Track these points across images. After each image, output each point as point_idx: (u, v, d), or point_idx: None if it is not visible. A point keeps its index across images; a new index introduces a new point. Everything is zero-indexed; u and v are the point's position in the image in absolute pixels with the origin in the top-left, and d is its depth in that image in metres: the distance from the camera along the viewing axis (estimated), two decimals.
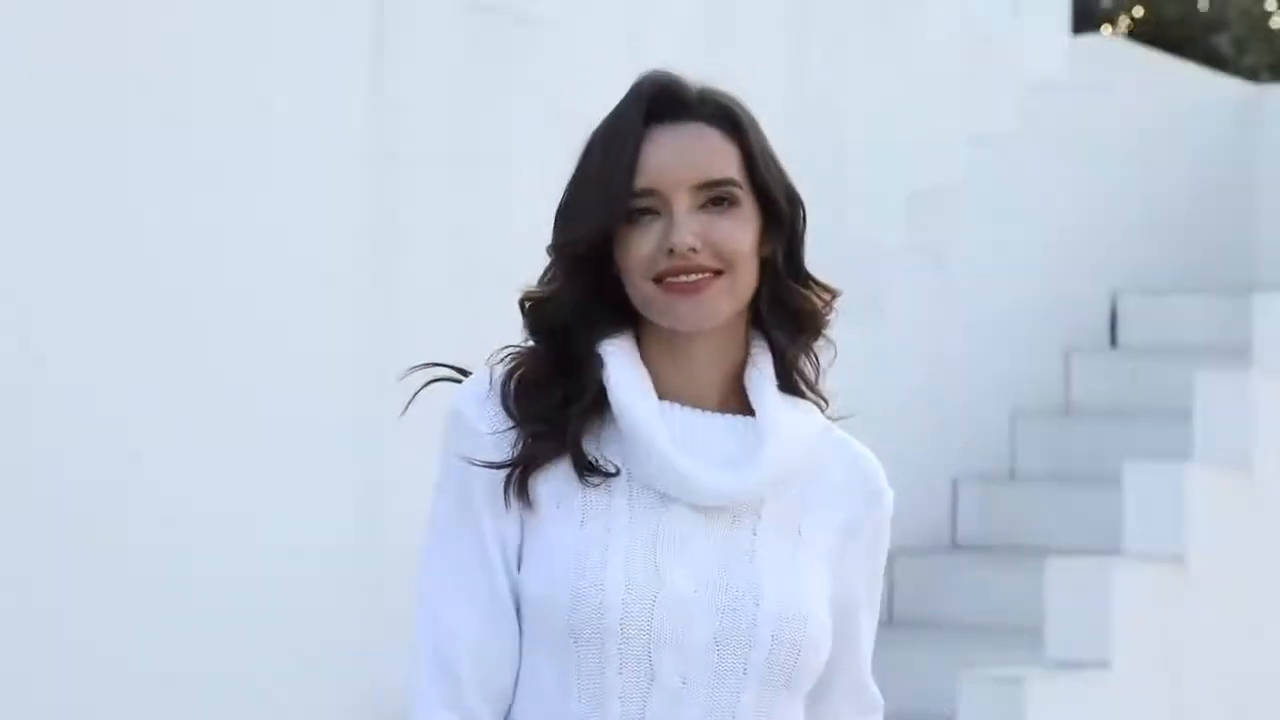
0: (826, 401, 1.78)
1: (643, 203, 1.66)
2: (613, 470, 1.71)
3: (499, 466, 1.72)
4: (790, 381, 1.74)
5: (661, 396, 1.73)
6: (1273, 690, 4.29)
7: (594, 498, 1.74)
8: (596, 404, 1.72)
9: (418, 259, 4.05)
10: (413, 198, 4.06)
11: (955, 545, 4.90)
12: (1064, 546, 4.40)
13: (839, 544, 1.78)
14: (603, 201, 1.66)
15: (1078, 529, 4.67)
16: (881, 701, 1.86)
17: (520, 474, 1.72)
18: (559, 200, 1.71)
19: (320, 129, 3.90)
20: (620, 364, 1.71)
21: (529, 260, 1.83)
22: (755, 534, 1.74)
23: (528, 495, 1.74)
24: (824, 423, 1.77)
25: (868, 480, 1.79)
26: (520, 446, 1.72)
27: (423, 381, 1.77)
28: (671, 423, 1.73)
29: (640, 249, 1.65)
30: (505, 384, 1.73)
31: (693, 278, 1.65)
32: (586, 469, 1.72)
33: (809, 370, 1.76)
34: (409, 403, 1.83)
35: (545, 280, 1.71)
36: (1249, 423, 4.23)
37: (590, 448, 1.72)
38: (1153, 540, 4.01)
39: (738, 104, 1.72)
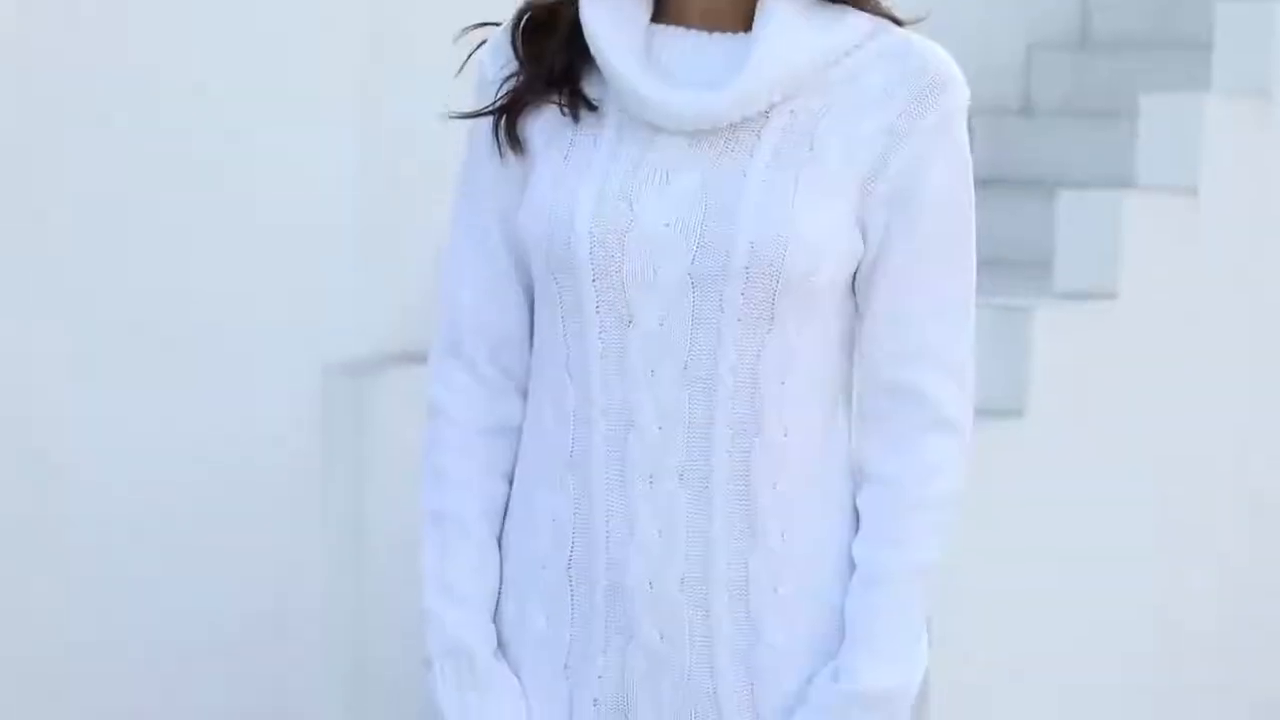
0: (887, 15, 1.67)
1: None
2: (594, 102, 1.68)
3: (490, 111, 1.71)
4: None
5: (671, 19, 1.68)
6: None
7: (583, 134, 1.70)
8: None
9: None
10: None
11: None
12: (1077, 180, 4.36)
13: (873, 156, 1.67)
14: None
15: (1092, 163, 4.62)
16: (955, 402, 1.72)
17: (509, 116, 1.70)
18: None
19: None
20: None
21: None
22: (751, 156, 1.66)
23: (518, 139, 1.71)
24: (870, 28, 1.67)
25: (921, 74, 1.66)
26: (512, 87, 1.70)
27: (477, 41, 1.75)
28: (661, 45, 1.68)
29: None
30: (516, 25, 1.71)
31: None
32: (568, 103, 1.68)
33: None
34: (464, 63, 1.78)
35: None
36: (1270, 53, 4.15)
37: (583, 84, 1.69)
38: (1167, 172, 3.97)
39: None
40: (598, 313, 1.68)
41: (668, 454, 1.68)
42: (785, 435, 1.68)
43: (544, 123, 1.71)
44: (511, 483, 1.79)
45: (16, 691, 3.36)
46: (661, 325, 1.66)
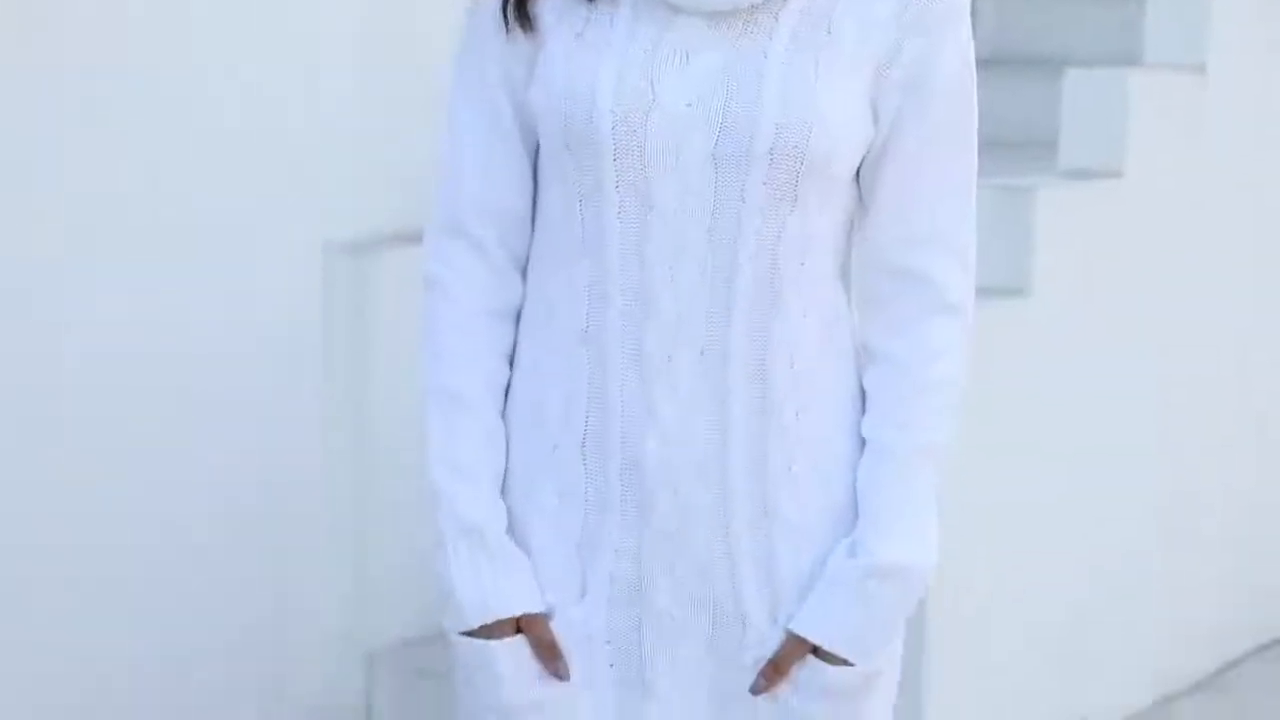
0: None
1: None
2: None
3: None
4: None
5: None
6: None
7: (598, 13, 1.69)
8: None
9: None
10: None
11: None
12: (1084, 58, 4.33)
13: (888, 41, 1.68)
14: None
15: (1099, 40, 4.60)
16: (960, 288, 1.75)
17: None
18: None
19: None
20: None
21: None
22: (771, 39, 1.66)
23: (528, 17, 1.71)
24: None
25: None
26: None
27: None
28: None
29: None
30: None
31: None
32: None
33: None
34: None
35: None
36: None
37: None
38: (1174, 50, 3.93)
39: None
40: (617, 191, 1.67)
41: (686, 333, 1.68)
42: (804, 316, 1.70)
43: (555, 0, 1.70)
44: (512, 365, 1.79)
45: (14, 553, 3.38)
46: (682, 205, 1.67)
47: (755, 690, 1.74)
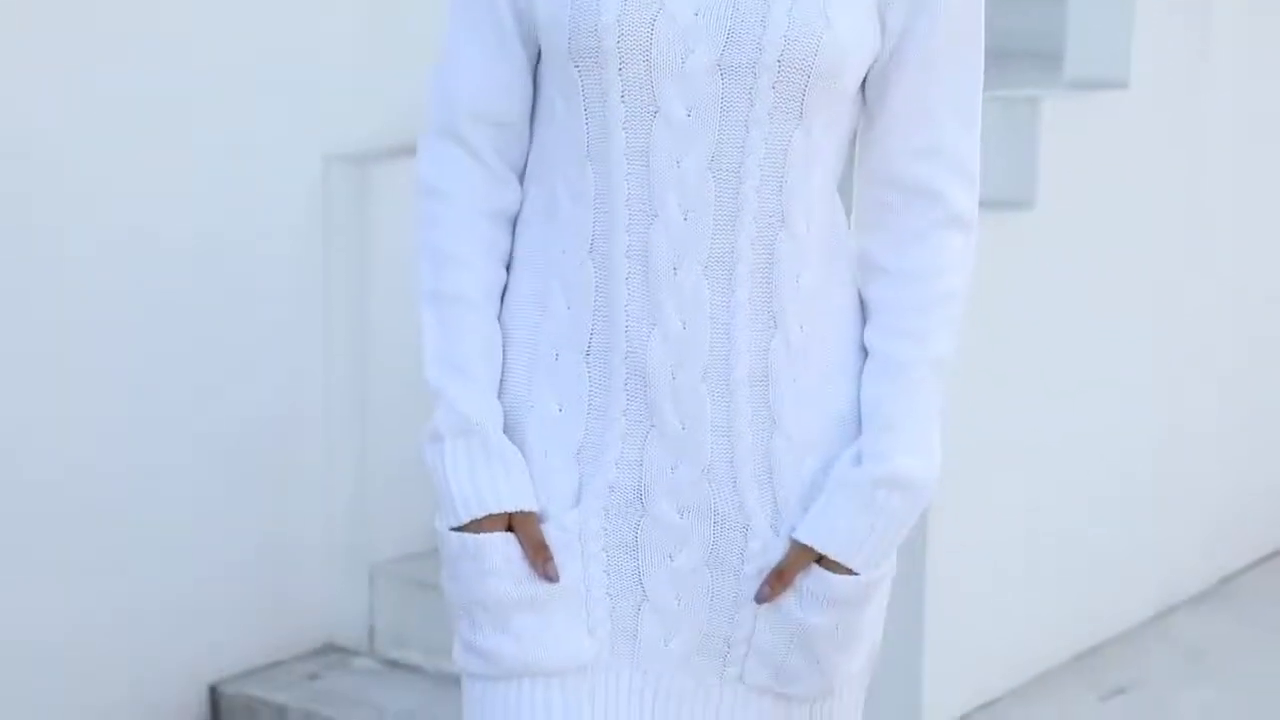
0: None
1: None
2: None
3: None
4: None
5: None
6: None
7: None
8: None
9: None
10: None
11: None
12: None
13: None
14: None
15: None
16: (964, 197, 1.75)
17: None
18: None
19: None
20: None
21: None
22: None
23: None
24: None
25: None
26: None
27: None
28: None
29: None
30: None
31: None
32: None
33: None
34: None
35: None
36: None
37: None
38: None
39: None
40: (623, 101, 1.66)
41: (693, 244, 1.67)
42: (808, 229, 1.69)
43: None
44: (509, 271, 1.78)
45: (12, 448, 3.38)
46: (689, 115, 1.65)
47: (760, 599, 1.73)
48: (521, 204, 1.78)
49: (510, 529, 1.73)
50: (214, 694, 3.73)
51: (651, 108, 1.66)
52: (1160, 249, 3.94)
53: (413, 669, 3.81)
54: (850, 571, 1.73)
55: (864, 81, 1.71)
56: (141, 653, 3.59)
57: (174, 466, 3.62)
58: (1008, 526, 3.54)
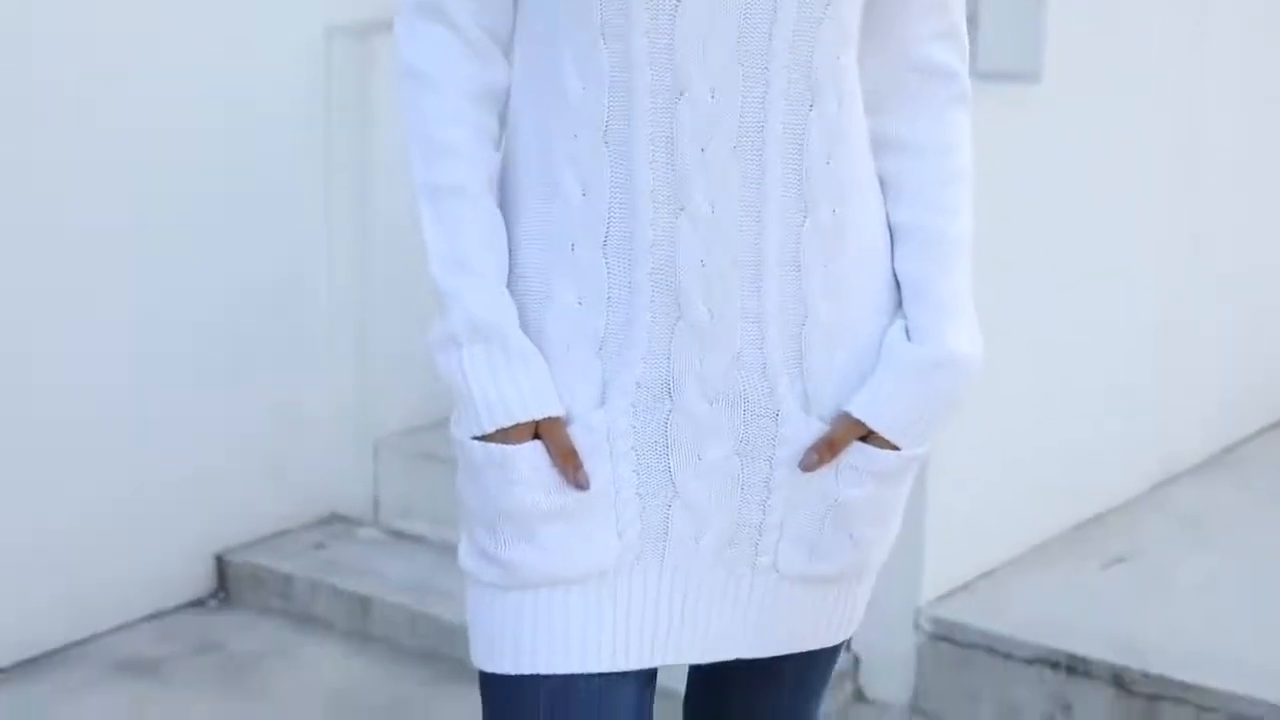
0: None
1: None
2: None
3: None
4: None
5: None
6: None
7: None
8: None
9: None
10: None
11: None
12: None
13: None
14: None
15: None
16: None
17: None
18: None
19: None
20: None
21: None
22: None
23: None
24: None
25: None
26: None
27: None
28: None
29: None
30: None
31: None
32: None
33: None
34: None
35: None
36: None
37: None
38: None
39: None
40: (660, 25, 1.59)
41: (721, 124, 1.60)
42: (839, 106, 1.64)
43: None
44: (509, 156, 1.69)
45: (19, 334, 3.38)
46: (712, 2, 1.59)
47: (806, 466, 1.68)
48: (513, 82, 1.68)
49: (537, 436, 1.64)
50: (220, 563, 3.76)
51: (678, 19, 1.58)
52: (1170, 123, 3.92)
53: (417, 539, 3.82)
54: (894, 447, 1.70)
55: None
56: (150, 525, 3.63)
57: (178, 340, 3.61)
58: (1011, 409, 3.54)
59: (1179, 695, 3.00)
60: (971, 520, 3.41)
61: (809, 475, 1.69)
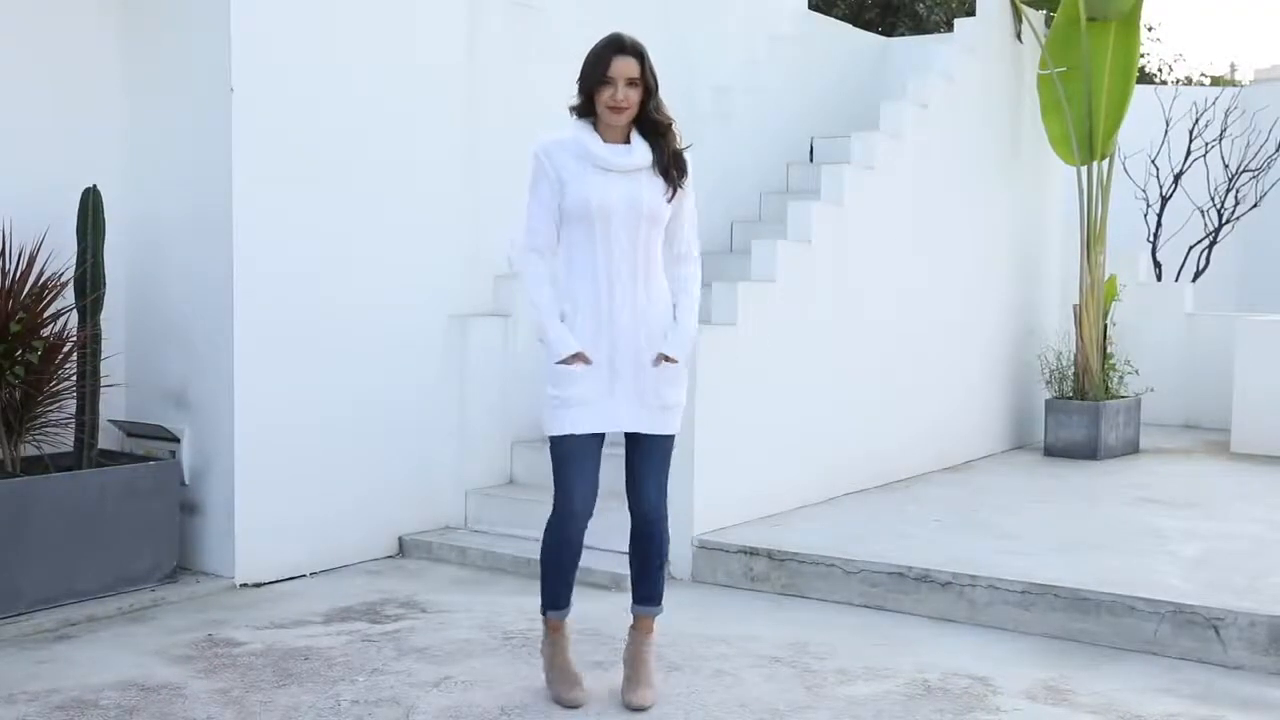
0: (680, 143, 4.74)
1: (608, 78, 4.66)
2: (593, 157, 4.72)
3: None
4: (655, 135, 4.71)
5: (607, 140, 4.62)
6: None
7: (586, 170, 4.65)
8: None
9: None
10: None
11: None
12: None
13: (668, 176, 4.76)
14: (595, 77, 4.65)
15: None
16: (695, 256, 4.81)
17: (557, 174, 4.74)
18: (579, 76, 4.64)
19: None
20: (583, 125, 4.71)
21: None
22: (644, 177, 4.72)
23: (559, 178, 4.69)
24: (675, 147, 4.74)
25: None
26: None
27: None
28: (604, 148, 4.64)
29: (604, 96, 4.67)
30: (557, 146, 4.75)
31: (621, 107, 4.66)
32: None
33: (671, 138, 4.74)
34: None
35: (574, 104, 4.71)
36: None
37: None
38: None
39: (643, 47, 4.61)
40: (603, 239, 4.57)
41: (626, 284, 4.66)
42: (654, 258, 4.80)
43: (568, 172, 4.65)
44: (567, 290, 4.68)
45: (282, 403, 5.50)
46: (625, 239, 4.60)
47: (655, 364, 4.69)
48: (560, 258, 4.60)
49: (575, 357, 4.55)
50: (400, 541, 6.60)
51: (611, 239, 4.48)
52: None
53: (496, 535, 6.74)
54: (674, 360, 4.66)
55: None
56: (363, 522, 6.18)
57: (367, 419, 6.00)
58: (778, 410, 6.12)
59: (797, 561, 6.28)
60: (729, 486, 6.34)
61: (656, 369, 4.66)
